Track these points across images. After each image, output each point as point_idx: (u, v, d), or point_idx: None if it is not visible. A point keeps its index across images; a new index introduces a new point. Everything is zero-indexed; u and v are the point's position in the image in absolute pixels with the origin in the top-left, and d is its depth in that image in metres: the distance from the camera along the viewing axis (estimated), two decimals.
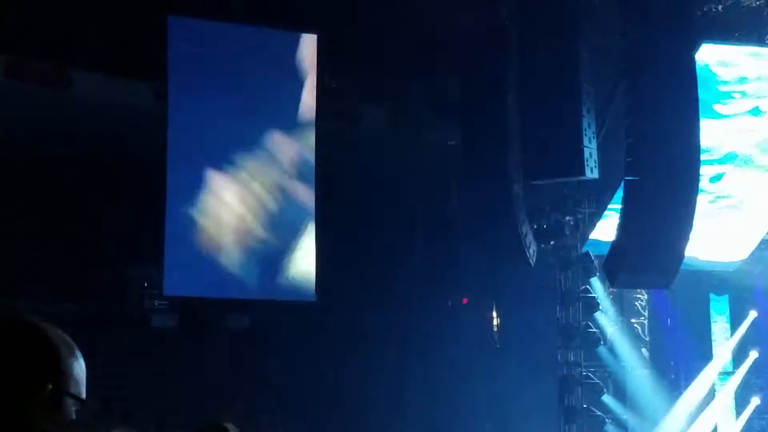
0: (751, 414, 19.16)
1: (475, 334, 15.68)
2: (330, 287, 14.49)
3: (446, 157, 15.03)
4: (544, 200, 15.25)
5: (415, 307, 14.88)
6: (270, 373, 14.73)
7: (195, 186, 15.08)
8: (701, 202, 16.21)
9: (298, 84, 15.72)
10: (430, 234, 14.78)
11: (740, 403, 19.51)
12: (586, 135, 14.21)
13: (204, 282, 15.08)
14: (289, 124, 15.77)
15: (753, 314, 19.41)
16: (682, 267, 14.33)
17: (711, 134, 15.59)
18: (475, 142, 14.59)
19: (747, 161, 16.95)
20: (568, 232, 15.60)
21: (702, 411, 18.84)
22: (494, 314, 16.04)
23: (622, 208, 14.16)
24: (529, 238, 14.48)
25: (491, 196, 14.33)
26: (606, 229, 15.85)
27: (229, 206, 15.21)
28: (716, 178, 16.93)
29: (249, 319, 15.03)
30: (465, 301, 15.50)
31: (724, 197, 17.58)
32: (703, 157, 14.46)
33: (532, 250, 14.58)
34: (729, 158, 16.88)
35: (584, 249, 15.85)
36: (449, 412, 14.99)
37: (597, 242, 16.00)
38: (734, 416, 19.50)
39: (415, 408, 14.85)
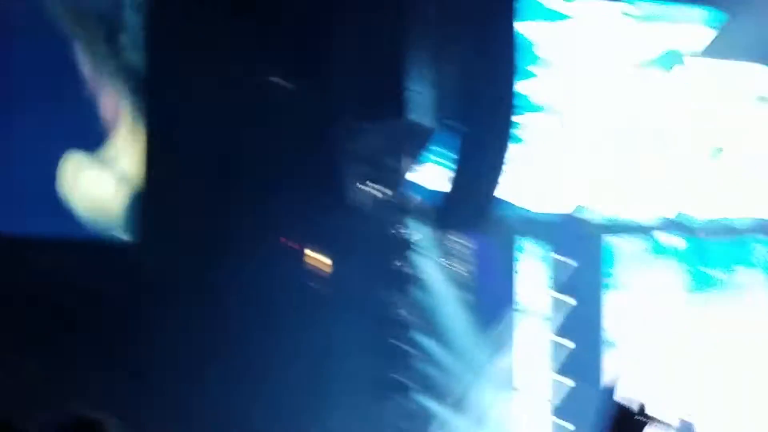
0: (565, 359, 20.27)
1: (298, 279, 15.68)
2: (146, 227, 14.07)
3: (272, 98, 14.73)
4: (369, 144, 15.28)
5: (238, 252, 14.68)
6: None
7: None
8: (523, 150, 16.78)
9: None
10: (255, 177, 14.55)
11: (545, 340, 20.53)
12: (413, 78, 14.31)
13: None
14: None
15: (570, 262, 20.35)
16: (502, 213, 14.82)
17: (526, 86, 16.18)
18: (301, 82, 14.42)
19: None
20: (392, 177, 15.73)
21: (510, 349, 19.76)
22: (318, 259, 16.07)
23: (446, 154, 14.43)
24: (354, 182, 14.55)
25: (316, 139, 14.26)
26: (430, 174, 16.13)
27: None
28: (531, 129, 17.54)
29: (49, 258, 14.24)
30: (288, 245, 15.45)
31: (542, 146, 18.25)
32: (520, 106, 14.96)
33: (356, 194, 14.67)
34: (539, 108, 17.52)
35: (405, 192, 16.05)
36: (269, 357, 15.02)
37: (421, 187, 16.24)
38: (539, 351, 20.54)
39: (231, 356, 14.76)
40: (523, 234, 20.04)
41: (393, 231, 15.64)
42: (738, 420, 20.88)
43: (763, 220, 20.96)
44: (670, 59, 17.38)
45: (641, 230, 21.00)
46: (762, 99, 18.37)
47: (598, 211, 19.85)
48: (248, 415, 14.61)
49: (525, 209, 18.88)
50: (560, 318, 20.47)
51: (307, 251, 15.95)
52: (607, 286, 21.24)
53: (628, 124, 18.22)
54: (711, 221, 21.06)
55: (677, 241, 21.35)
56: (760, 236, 21.42)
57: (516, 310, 20.19)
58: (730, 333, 21.89)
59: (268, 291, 14.92)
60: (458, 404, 17.90)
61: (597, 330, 20.95)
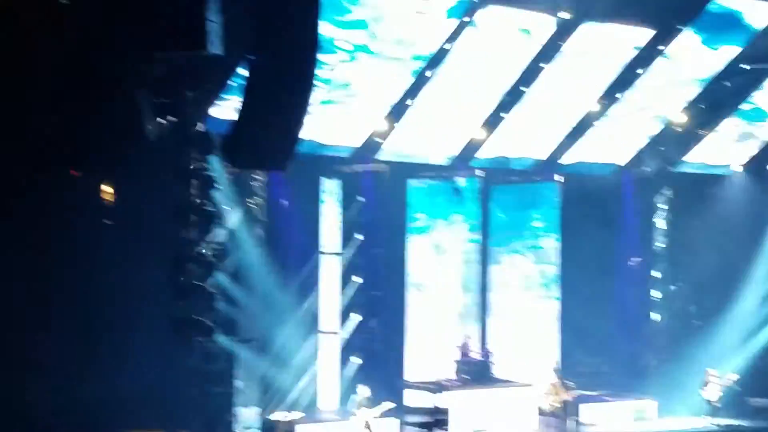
0: (356, 290, 20.74)
1: (89, 209, 15.15)
2: None
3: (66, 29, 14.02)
4: (164, 73, 14.86)
5: (25, 179, 13.97)
6: None
7: None
8: (322, 89, 16.86)
9: None
10: (46, 103, 13.81)
11: (345, 281, 20.92)
12: (210, 9, 13.98)
13: None
14: None
15: (360, 200, 20.76)
16: (298, 151, 14.81)
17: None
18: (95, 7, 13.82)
19: (365, 49, 17.84)
20: (188, 108, 15.40)
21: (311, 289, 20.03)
22: (109, 189, 15.59)
23: (243, 88, 14.25)
24: (148, 112, 14.17)
25: (105, 67, 13.74)
26: (227, 107, 15.92)
27: None
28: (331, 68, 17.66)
29: None
30: (76, 174, 14.86)
31: (342, 86, 18.45)
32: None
33: (150, 125, 14.30)
34: (342, 49, 17.68)
35: (204, 126, 15.79)
36: (60, 295, 14.52)
37: (217, 120, 15.99)
38: (339, 292, 20.91)
39: (18, 293, 14.14)
40: (325, 173, 20.30)
41: (191, 166, 15.35)
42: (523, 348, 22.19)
43: (552, 162, 22.20)
44: (464, 7, 17.87)
45: (439, 171, 21.80)
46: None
47: (398, 151, 20.34)
48: (42, 354, 14.10)
49: (326, 148, 19.08)
50: (359, 257, 20.94)
51: (101, 185, 15.48)
52: (406, 227, 21.97)
53: (429, 68, 18.65)
54: (502, 163, 22.06)
55: (472, 183, 22.27)
56: (550, 179, 22.66)
57: (319, 250, 20.47)
58: (520, 271, 23.13)
59: (59, 225, 14.37)
60: (260, 344, 17.96)
61: (397, 270, 21.60)
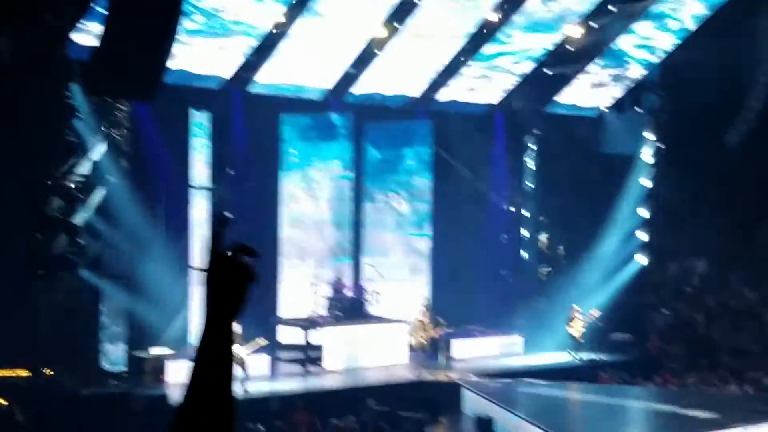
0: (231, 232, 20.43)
1: None
2: None
3: None
4: None
5: None
6: None
7: None
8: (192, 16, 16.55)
9: None
10: None
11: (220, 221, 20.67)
12: None
13: None
14: None
15: (229, 132, 20.55)
16: (166, 80, 14.53)
17: None
18: None
19: None
20: (48, 34, 14.86)
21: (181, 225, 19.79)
22: None
23: (106, 14, 13.85)
24: (7, 42, 13.62)
25: None
26: (89, 33, 15.43)
27: None
28: None
29: None
30: None
31: (213, 15, 18.10)
32: None
33: (11, 54, 13.76)
34: None
35: (65, 53, 15.30)
36: None
37: (79, 46, 15.49)
38: (208, 229, 20.68)
39: None
40: (195, 105, 19.95)
41: (53, 94, 14.87)
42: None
43: (425, 100, 22.35)
44: None
45: (312, 106, 21.69)
46: None
47: (270, 84, 20.12)
48: None
49: (196, 78, 18.70)
50: (231, 192, 20.77)
51: None
52: (279, 162, 21.85)
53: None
54: (376, 100, 22.10)
55: (346, 119, 22.27)
56: (423, 117, 22.85)
57: (188, 184, 20.22)
58: (393, 209, 23.36)
59: None
60: (127, 281, 17.69)
61: (269, 206, 21.55)
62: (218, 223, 2.55)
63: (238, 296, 2.50)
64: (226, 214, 2.72)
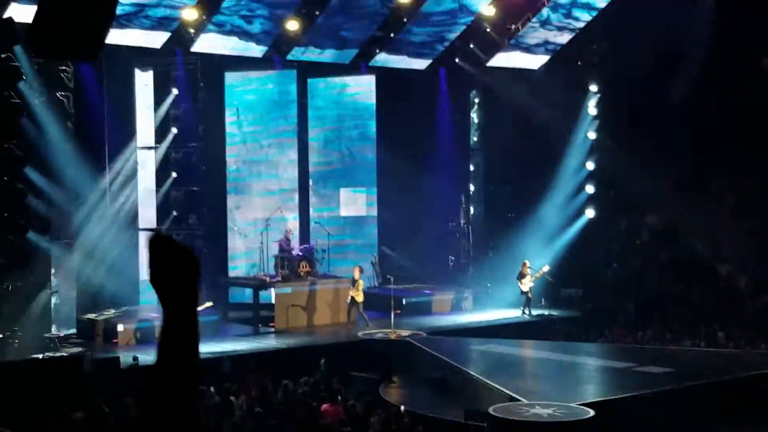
0: (168, 187, 20.95)
1: None
2: None
3: None
4: None
5: None
6: None
7: None
8: None
9: None
10: None
11: (160, 177, 21.08)
12: None
13: None
14: None
15: (174, 92, 20.81)
16: (109, 42, 14.70)
17: None
18: None
19: None
20: None
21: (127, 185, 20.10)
22: None
23: None
24: None
25: None
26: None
27: None
28: None
29: None
30: None
31: None
32: None
33: None
34: None
35: (7, 16, 15.43)
36: None
37: (21, 8, 15.61)
38: (155, 190, 21.08)
39: None
40: (138, 64, 20.17)
41: None
42: None
43: (367, 55, 22.57)
44: None
45: (255, 63, 21.95)
46: None
47: (213, 43, 20.31)
48: None
49: (138, 38, 18.87)
50: (175, 152, 21.11)
51: None
52: (224, 121, 22.13)
53: None
54: (318, 55, 22.31)
55: (289, 75, 22.56)
56: (365, 72, 23.12)
57: (134, 144, 20.49)
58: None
59: None
60: (75, 242, 18.00)
61: (215, 165, 21.84)
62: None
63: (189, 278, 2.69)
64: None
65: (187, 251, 2.68)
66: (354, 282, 19.97)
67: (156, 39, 19.50)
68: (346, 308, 20.30)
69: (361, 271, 20.59)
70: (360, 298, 19.89)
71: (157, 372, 2.64)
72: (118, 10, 14.43)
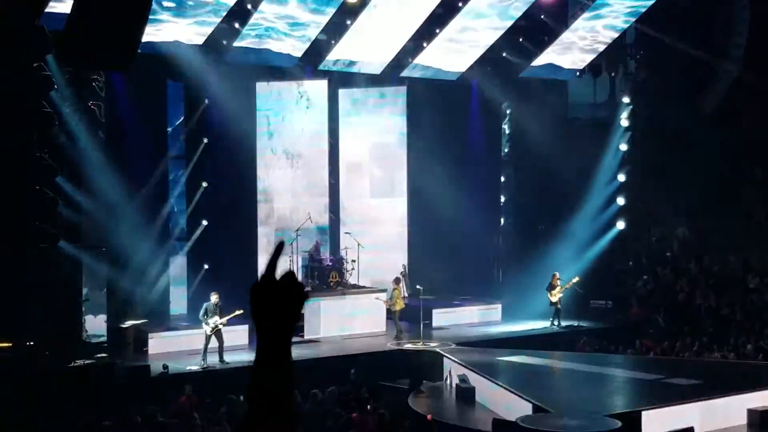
0: (204, 195, 21.04)
1: None
2: None
3: None
4: None
5: None
6: None
7: None
8: None
9: None
10: None
11: (193, 187, 21.15)
12: None
13: None
14: None
15: (205, 101, 20.86)
16: (141, 51, 14.72)
17: None
18: None
19: None
20: (23, 4, 15.02)
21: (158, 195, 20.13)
22: None
23: None
24: None
25: None
26: (63, 2, 15.61)
27: None
28: None
29: None
30: None
31: None
32: None
33: None
34: None
35: (38, 22, 15.48)
36: None
37: (53, 15, 15.66)
38: (186, 200, 21.18)
39: None
40: (170, 75, 20.20)
41: (30, 67, 15.07)
42: None
43: (399, 67, 22.56)
44: None
45: (287, 74, 21.95)
46: None
47: (244, 53, 20.33)
48: None
49: (170, 47, 18.89)
50: (207, 162, 21.15)
51: None
52: (255, 131, 22.15)
53: None
54: (349, 66, 22.33)
55: (321, 86, 22.56)
56: (397, 83, 23.13)
57: (165, 154, 20.57)
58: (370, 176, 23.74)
59: None
60: (106, 252, 18.02)
61: (246, 174, 21.88)
62: (276, 250, 2.67)
63: (293, 315, 2.67)
64: (283, 240, 2.99)
65: (296, 286, 2.63)
66: (392, 292, 20.11)
67: (188, 49, 19.51)
68: (374, 318, 20.36)
69: (399, 281, 20.63)
70: (398, 306, 20.00)
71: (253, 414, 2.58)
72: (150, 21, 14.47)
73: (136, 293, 19.05)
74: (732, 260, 23.54)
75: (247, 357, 17.44)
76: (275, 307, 2.64)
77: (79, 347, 16.56)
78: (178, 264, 21.27)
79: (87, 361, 16.23)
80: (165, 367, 16.25)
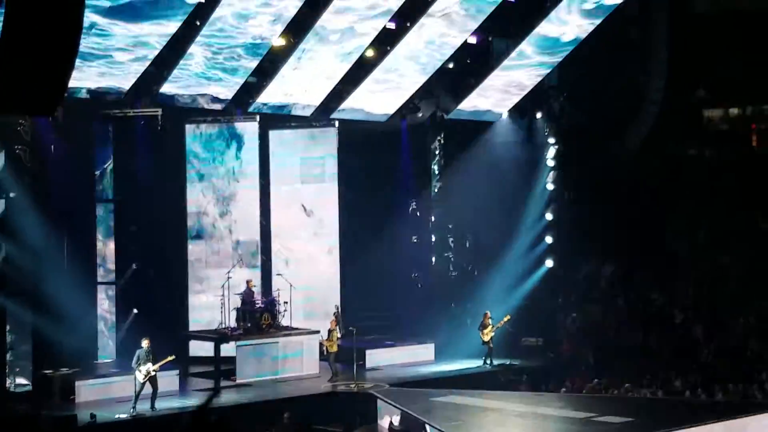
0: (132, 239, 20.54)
1: None
2: None
3: None
4: None
5: None
6: None
7: None
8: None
9: None
10: None
11: (121, 230, 20.74)
12: None
13: None
14: None
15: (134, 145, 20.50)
16: (67, 94, 14.50)
17: None
18: None
19: None
20: None
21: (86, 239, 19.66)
22: None
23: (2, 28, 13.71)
24: None
25: None
26: None
27: None
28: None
29: None
30: None
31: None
32: None
33: None
34: None
35: None
36: None
37: None
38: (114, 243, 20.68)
39: None
40: (97, 118, 19.87)
41: None
42: None
43: (329, 108, 22.55)
44: None
45: (216, 116, 21.80)
46: None
47: (173, 96, 20.11)
48: None
49: (97, 91, 18.61)
50: (135, 205, 20.78)
51: None
52: (184, 173, 21.88)
53: (197, 18, 18.39)
54: (280, 108, 22.17)
55: (251, 128, 22.40)
56: (328, 125, 23.08)
57: (92, 197, 20.20)
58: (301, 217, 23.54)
59: None
60: (32, 298, 17.55)
61: (175, 217, 21.58)
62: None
63: None
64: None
65: None
66: (329, 333, 19.93)
67: (115, 91, 19.24)
68: (307, 360, 20.15)
69: (336, 322, 20.47)
70: (333, 348, 19.86)
71: None
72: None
73: (62, 340, 18.49)
74: (657, 296, 23.86)
75: (178, 403, 17.09)
76: None
77: (2, 397, 16.05)
78: (106, 309, 20.82)
79: (11, 411, 15.73)
80: (92, 416, 15.77)
